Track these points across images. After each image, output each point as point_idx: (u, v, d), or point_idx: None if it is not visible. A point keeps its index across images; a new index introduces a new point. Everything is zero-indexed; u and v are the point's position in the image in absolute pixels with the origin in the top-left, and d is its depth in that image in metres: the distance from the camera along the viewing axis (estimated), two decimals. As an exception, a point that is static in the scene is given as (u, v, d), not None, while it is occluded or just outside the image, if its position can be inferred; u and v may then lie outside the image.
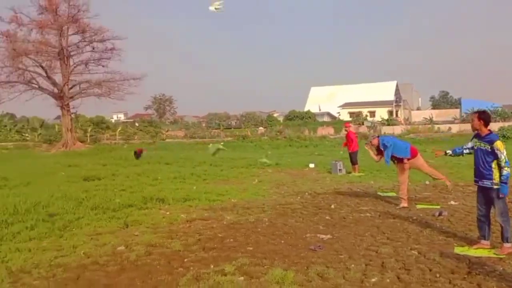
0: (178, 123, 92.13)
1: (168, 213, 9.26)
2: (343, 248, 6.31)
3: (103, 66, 39.87)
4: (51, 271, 5.60)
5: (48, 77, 38.11)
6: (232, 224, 8.17)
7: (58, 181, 14.58)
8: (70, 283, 5.20)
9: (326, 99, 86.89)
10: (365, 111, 78.33)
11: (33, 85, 38.21)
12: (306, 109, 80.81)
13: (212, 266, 5.60)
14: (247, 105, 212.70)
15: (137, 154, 23.61)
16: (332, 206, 9.68)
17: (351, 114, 79.07)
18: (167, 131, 67.25)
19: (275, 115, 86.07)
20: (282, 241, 6.82)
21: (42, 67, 37.58)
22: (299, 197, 11.06)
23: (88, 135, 53.75)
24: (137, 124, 78.18)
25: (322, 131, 53.24)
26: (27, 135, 59.53)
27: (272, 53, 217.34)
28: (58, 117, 64.41)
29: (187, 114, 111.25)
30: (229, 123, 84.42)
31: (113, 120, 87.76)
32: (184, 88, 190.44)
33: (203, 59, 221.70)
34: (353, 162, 16.14)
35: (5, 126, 64.52)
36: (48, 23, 36.91)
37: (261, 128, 66.08)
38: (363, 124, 57.58)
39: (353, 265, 5.48)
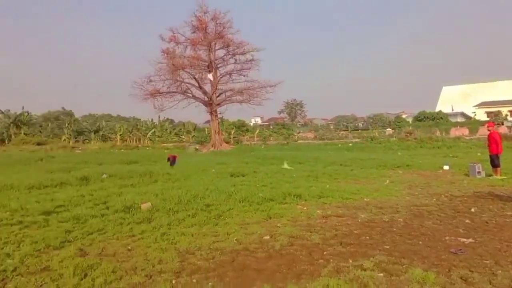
0: (308, 125, 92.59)
1: (305, 208, 9.42)
2: (487, 253, 5.81)
3: (244, 75, 41.85)
4: (211, 253, 6.10)
5: (200, 87, 41.23)
6: (367, 222, 8.02)
7: (210, 177, 15.65)
8: (227, 265, 5.61)
9: (460, 99, 79.58)
10: (504, 110, 69.65)
11: (188, 94, 41.63)
12: (437, 110, 75.18)
13: (350, 261, 5.60)
14: (374, 106, 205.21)
15: (171, 161, 21.32)
16: (472, 210, 8.89)
17: (488, 114, 71.03)
18: (299, 133, 68.08)
19: (403, 116, 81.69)
20: (420, 242, 6.49)
21: (195, 78, 40.82)
22: (434, 199, 10.36)
23: (232, 137, 56.79)
24: (271, 127, 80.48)
25: (455, 132, 49.07)
26: (183, 136, 65.03)
27: (397, 53, 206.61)
28: (207, 122, 69.11)
29: (316, 116, 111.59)
30: (356, 124, 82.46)
31: (251, 124, 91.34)
32: (313, 93, 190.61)
33: (331, 66, 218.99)
34: (495, 164, 14.48)
35: (166, 129, 71.24)
36: (199, 40, 39.91)
37: (389, 129, 63.38)
38: (502, 124, 51.68)
39: (500, 271, 5.03)
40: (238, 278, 5.14)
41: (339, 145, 39.95)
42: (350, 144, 39.78)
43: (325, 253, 6.04)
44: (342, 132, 66.67)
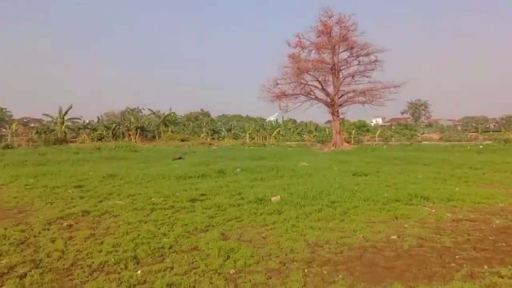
0: (432, 126, 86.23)
1: (433, 210, 8.78)
2: None
3: (367, 77, 40.42)
4: (339, 248, 6.04)
5: (323, 89, 41.03)
6: (502, 228, 7.20)
7: (333, 174, 15.45)
8: (355, 260, 5.50)
9: None
10: None
11: (311, 96, 41.69)
12: None
13: (485, 267, 5.11)
14: (507, 107, 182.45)
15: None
16: None
17: None
18: (422, 133, 63.77)
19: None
20: None
21: (318, 81, 40.77)
22: None
23: (352, 136, 55.50)
24: (393, 127, 76.74)
25: None
26: (305, 136, 65.44)
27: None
28: (327, 122, 68.60)
29: (442, 117, 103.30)
30: (487, 126, 74.40)
31: (372, 124, 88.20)
32: (439, 93, 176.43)
33: (458, 65, 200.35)
34: None
35: (289, 129, 72.47)
36: (324, 44, 39.68)
37: (525, 131, 56.02)
38: None
39: None
40: (367, 273, 5.01)
41: (468, 147, 36.39)
42: (481, 146, 35.98)
43: (457, 257, 5.58)
44: (471, 133, 60.67)
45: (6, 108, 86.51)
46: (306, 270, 5.07)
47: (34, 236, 6.77)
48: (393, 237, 6.63)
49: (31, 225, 7.57)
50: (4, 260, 5.51)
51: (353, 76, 40.99)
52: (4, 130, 68.18)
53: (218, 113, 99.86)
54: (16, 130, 58.90)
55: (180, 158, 21.69)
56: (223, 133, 68.32)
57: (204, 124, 69.89)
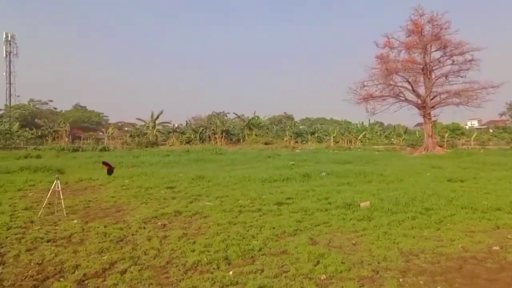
0: (538, 129, 77.71)
1: (543, 221, 8.00)
2: None
3: (462, 77, 37.73)
4: (435, 258, 5.79)
5: (413, 90, 39.12)
6: None
7: (425, 180, 14.68)
8: (454, 271, 5.25)
9: None
10: None
11: (401, 98, 39.94)
12: None
13: None
14: None
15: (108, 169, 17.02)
16: None
17: None
18: (526, 136, 57.85)
19: None
20: None
21: (408, 82, 38.95)
22: None
23: (445, 140, 52.18)
24: (491, 131, 70.79)
25: None
26: (393, 139, 62.86)
27: None
28: (417, 124, 65.28)
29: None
30: None
31: (467, 127, 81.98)
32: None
33: None
34: None
35: (376, 132, 70.09)
36: (414, 43, 37.85)
37: None
38: None
39: None
40: (468, 286, 4.77)
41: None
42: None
43: None
44: None
45: (103, 113, 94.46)
46: (401, 280, 4.94)
47: (132, 234, 7.34)
48: (495, 248, 6.20)
49: (128, 223, 8.21)
50: (106, 256, 6.00)
51: (446, 76, 38.57)
52: (101, 133, 74.84)
53: (302, 116, 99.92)
54: (112, 133, 64.41)
55: (108, 167, 16.95)
56: (306, 136, 68.12)
57: (288, 127, 70.29)
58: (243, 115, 74.60)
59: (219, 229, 7.56)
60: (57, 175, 9.80)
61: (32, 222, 8.37)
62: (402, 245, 6.36)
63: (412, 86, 38.89)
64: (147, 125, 65.09)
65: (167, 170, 18.76)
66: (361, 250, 6.17)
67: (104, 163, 17.76)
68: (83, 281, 5.10)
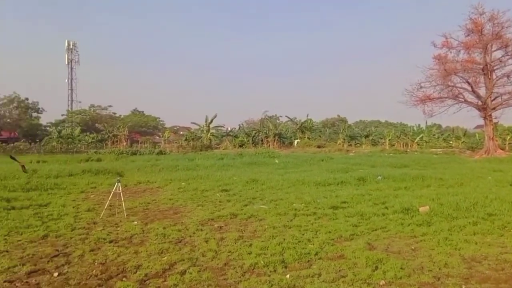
0: None
1: None
2: None
3: (525, 77, 35.57)
4: (499, 264, 5.60)
5: (473, 91, 37.34)
6: None
7: (487, 185, 14.01)
8: (520, 279, 5.03)
9: None
10: None
11: (460, 99, 38.23)
12: None
13: None
14: None
15: (23, 168, 18.56)
16: None
17: None
18: None
19: None
20: None
21: (468, 82, 37.28)
22: None
23: (507, 143, 49.17)
24: None
25: None
26: (451, 142, 60.05)
27: None
28: (477, 127, 62.00)
29: None
30: None
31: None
32: None
33: None
34: None
35: (434, 135, 67.28)
36: (474, 43, 36.18)
37: None
38: None
39: None
40: (536, 295, 4.56)
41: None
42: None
43: None
44: None
45: (159, 118, 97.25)
46: (463, 287, 4.83)
47: (190, 236, 7.55)
48: None
49: (186, 225, 8.45)
50: (165, 257, 6.17)
51: (508, 77, 36.51)
52: (157, 137, 77.59)
53: (355, 118, 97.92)
54: (168, 137, 66.62)
55: (23, 166, 18.81)
56: (360, 139, 66.73)
57: (341, 130, 69.22)
58: (296, 118, 74.50)
59: (275, 232, 7.62)
60: (118, 178, 10.32)
61: (94, 223, 8.76)
62: (464, 251, 6.18)
63: (472, 87, 37.17)
64: (201, 129, 66.82)
65: (221, 173, 19.13)
66: (421, 256, 6.06)
67: (11, 157, 20.21)
68: (145, 281, 5.22)
